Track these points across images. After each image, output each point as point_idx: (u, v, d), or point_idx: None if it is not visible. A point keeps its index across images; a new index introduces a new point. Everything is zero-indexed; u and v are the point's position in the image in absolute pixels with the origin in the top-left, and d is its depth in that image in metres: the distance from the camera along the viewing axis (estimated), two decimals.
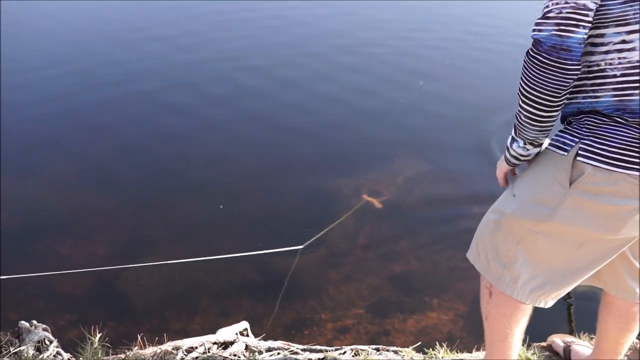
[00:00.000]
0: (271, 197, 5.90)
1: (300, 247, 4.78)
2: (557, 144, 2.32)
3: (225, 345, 3.35)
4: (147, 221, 5.58)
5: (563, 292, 2.54)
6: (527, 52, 2.19)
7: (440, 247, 5.28)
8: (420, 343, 3.87)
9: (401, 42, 9.40)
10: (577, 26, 2.08)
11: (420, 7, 11.14)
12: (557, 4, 2.09)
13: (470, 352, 3.70)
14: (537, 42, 2.13)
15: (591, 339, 3.81)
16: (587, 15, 2.08)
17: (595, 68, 2.20)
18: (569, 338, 3.68)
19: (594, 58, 2.20)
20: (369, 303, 4.75)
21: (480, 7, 11.16)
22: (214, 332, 4.48)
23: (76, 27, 10.06)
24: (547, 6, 2.12)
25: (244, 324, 3.59)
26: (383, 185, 5.99)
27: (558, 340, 3.65)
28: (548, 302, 2.56)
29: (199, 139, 6.82)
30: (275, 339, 4.26)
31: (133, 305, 4.67)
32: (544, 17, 2.12)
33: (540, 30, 2.12)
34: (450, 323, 4.60)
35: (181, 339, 3.53)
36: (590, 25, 2.10)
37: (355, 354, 3.44)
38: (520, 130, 2.34)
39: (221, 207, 5.68)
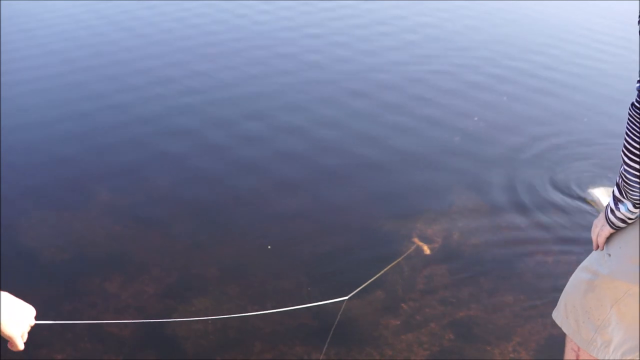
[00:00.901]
0: (322, 237, 5.72)
1: (346, 297, 4.57)
2: None
3: None
4: (199, 259, 5.44)
5: None
6: (633, 105, 2.01)
7: (501, 291, 5.09)
8: None
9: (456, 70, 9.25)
10: None
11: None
12: None
13: None
14: None
15: None
16: None
17: None
18: None
19: None
20: (429, 352, 4.56)
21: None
22: None
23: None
24: None
25: None
26: (436, 229, 5.80)
27: None
28: None
29: (251, 173, 6.69)
30: None
31: (184, 349, 4.52)
32: None
33: None
34: None
35: None
36: None
37: None
38: (628, 192, 2.15)
39: (269, 247, 5.52)
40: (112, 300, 4.92)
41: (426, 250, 5.50)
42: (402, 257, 5.30)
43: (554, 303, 4.91)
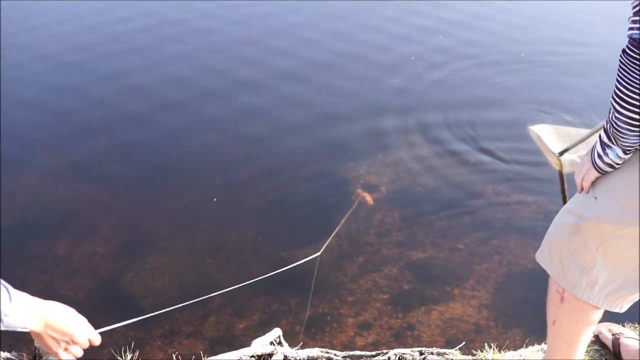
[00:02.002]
0: (268, 188, 5.69)
1: (318, 254, 4.55)
2: None
3: (264, 357, 3.14)
4: (147, 215, 5.34)
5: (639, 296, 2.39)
6: (624, 52, 1.98)
7: (456, 232, 5.12)
8: (464, 342, 3.67)
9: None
10: None
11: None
12: None
13: (516, 350, 3.52)
14: (637, 42, 1.92)
15: (635, 328, 3.67)
16: None
17: None
18: (616, 328, 3.51)
19: None
20: (389, 296, 4.57)
21: None
22: (228, 333, 4.32)
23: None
24: None
25: (277, 331, 3.37)
26: (385, 172, 5.80)
27: (605, 331, 3.49)
28: (624, 306, 2.44)
29: (196, 132, 6.55)
30: (295, 338, 4.09)
31: (143, 308, 4.43)
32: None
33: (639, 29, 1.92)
34: (476, 313, 4.45)
35: (210, 349, 3.33)
36: None
37: (399, 359, 3.24)
38: (618, 138, 2.13)
39: (215, 200, 5.46)
40: (63, 263, 4.81)
41: (377, 193, 5.49)
42: (353, 207, 5.28)
43: (507, 240, 5.01)
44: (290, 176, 5.80)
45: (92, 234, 5.10)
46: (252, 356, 3.11)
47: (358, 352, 3.29)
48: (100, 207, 5.43)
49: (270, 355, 3.14)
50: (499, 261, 4.80)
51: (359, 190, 5.49)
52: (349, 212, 5.21)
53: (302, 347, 3.36)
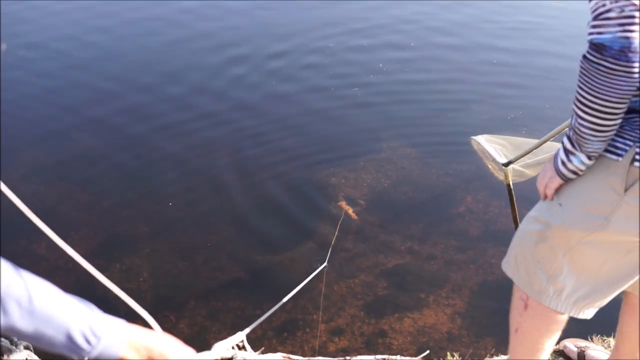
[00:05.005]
0: (247, 194, 5.70)
1: (325, 263, 4.73)
2: (610, 148, 2.13)
3: None
4: (126, 217, 5.35)
5: (606, 301, 2.44)
6: (586, 58, 1.99)
7: (433, 239, 5.13)
8: (428, 351, 3.68)
9: None
10: None
11: None
12: (615, 2, 1.88)
13: (481, 358, 3.52)
14: (599, 47, 1.92)
15: (603, 341, 3.68)
16: None
17: None
18: (581, 342, 3.54)
19: None
20: (363, 302, 4.58)
21: None
22: (201, 336, 4.33)
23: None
24: (603, 5, 1.90)
25: (240, 336, 3.38)
26: (364, 178, 5.81)
27: (570, 345, 3.51)
28: (591, 312, 2.46)
29: (179, 134, 6.52)
30: (268, 343, 4.10)
31: (115, 307, 4.42)
32: (601, 17, 1.91)
33: (600, 33, 1.92)
34: (449, 321, 4.45)
35: None
36: None
37: None
38: (582, 144, 2.14)
39: (170, 204, 5.49)
40: (42, 263, 4.81)
41: (356, 205, 5.50)
42: (341, 219, 5.28)
43: (484, 249, 5.01)
44: (270, 179, 5.80)
45: (71, 233, 5.12)
46: None
47: (320, 358, 3.30)
48: (81, 208, 5.45)
49: (231, 359, 3.15)
50: (474, 270, 4.81)
51: (342, 204, 5.49)
52: (338, 223, 5.22)
53: (265, 352, 3.37)
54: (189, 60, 7.90)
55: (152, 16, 9.10)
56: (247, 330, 3.45)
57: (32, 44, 8.27)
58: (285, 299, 4.09)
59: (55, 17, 9.12)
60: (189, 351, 1.67)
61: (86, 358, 1.48)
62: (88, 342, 1.46)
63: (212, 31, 8.59)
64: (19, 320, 1.41)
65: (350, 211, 5.37)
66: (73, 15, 9.19)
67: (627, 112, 2.10)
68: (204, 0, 9.61)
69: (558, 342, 3.53)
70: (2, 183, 2.13)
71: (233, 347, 3.28)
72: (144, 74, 7.59)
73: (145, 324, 1.72)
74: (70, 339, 1.44)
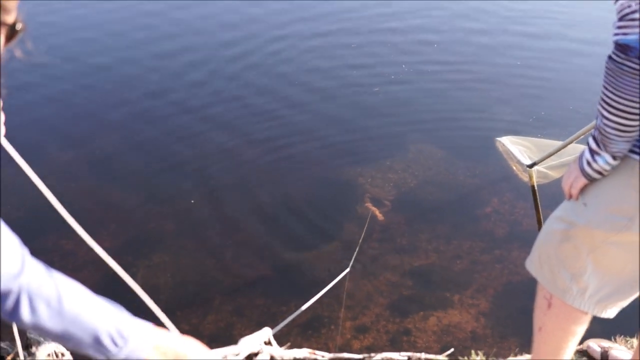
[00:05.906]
0: (276, 194, 5.74)
1: (348, 269, 4.74)
2: (634, 148, 2.14)
3: (250, 357, 3.18)
4: (154, 214, 5.41)
5: (629, 301, 2.44)
6: (611, 58, 1.99)
7: (459, 239, 5.14)
8: (452, 349, 3.70)
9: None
10: None
11: None
12: None
13: (505, 358, 3.53)
14: (624, 47, 1.93)
15: (627, 341, 3.67)
16: None
17: None
18: (605, 343, 3.53)
19: None
20: (389, 301, 4.60)
21: None
22: (227, 332, 4.36)
23: None
24: (629, 6, 1.91)
25: (267, 331, 3.41)
26: (392, 178, 5.82)
27: (594, 345, 3.50)
28: (613, 312, 2.46)
29: (210, 133, 6.57)
30: (293, 339, 4.12)
31: (143, 305, 4.48)
32: (627, 18, 1.92)
33: (626, 34, 1.93)
34: (473, 320, 4.46)
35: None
36: None
37: None
38: (607, 144, 2.14)
39: (192, 201, 5.54)
40: (70, 258, 4.88)
41: (382, 205, 5.52)
42: (367, 221, 5.30)
43: (509, 250, 5.01)
44: (297, 179, 5.84)
45: (100, 229, 5.17)
46: (237, 354, 3.14)
47: (346, 355, 3.32)
48: (111, 204, 5.51)
49: (256, 354, 3.18)
50: (500, 270, 4.81)
51: (368, 205, 5.51)
52: (365, 225, 5.23)
53: (291, 348, 3.40)
54: (218, 66, 7.94)
55: (172, 20, 9.15)
56: (276, 329, 3.49)
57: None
58: (310, 302, 4.11)
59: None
60: (213, 354, 1.71)
61: None
62: (115, 344, 1.46)
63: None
64: (48, 321, 1.42)
65: (377, 212, 5.39)
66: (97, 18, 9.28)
67: None
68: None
69: (581, 342, 3.54)
70: (38, 179, 2.16)
71: (260, 344, 3.31)
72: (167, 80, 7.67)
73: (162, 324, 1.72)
74: (97, 340, 1.45)
